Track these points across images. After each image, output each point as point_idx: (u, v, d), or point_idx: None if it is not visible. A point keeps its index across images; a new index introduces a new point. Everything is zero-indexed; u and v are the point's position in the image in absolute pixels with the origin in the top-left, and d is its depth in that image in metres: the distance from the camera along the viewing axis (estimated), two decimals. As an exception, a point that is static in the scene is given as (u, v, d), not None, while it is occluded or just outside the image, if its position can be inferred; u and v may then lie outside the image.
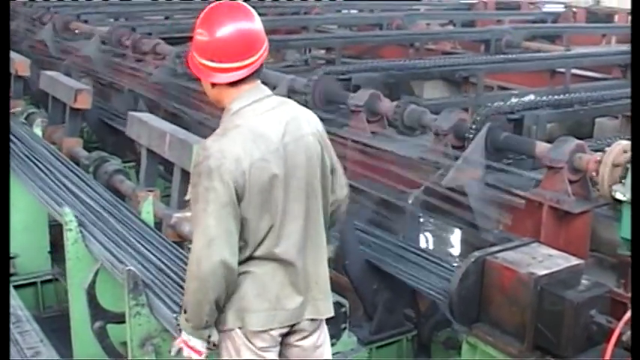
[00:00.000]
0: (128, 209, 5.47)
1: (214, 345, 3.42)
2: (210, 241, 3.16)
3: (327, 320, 3.66)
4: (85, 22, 12.71)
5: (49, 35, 12.40)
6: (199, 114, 8.78)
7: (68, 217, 5.01)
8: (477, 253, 4.57)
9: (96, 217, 5.30)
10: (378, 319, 5.58)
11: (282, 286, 3.36)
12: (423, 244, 5.92)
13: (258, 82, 3.38)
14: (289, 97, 3.63)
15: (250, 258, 3.31)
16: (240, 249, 3.27)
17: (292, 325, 3.46)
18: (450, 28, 13.39)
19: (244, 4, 3.36)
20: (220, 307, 3.31)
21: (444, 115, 6.10)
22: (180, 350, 3.46)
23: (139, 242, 4.84)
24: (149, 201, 5.35)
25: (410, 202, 5.67)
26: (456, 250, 8.53)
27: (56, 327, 5.78)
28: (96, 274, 4.66)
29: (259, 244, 3.30)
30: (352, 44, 11.56)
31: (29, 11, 13.96)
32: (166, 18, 13.74)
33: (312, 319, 3.51)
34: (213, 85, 3.34)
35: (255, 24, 3.31)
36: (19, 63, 9.48)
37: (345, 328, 4.57)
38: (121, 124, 9.14)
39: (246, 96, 3.32)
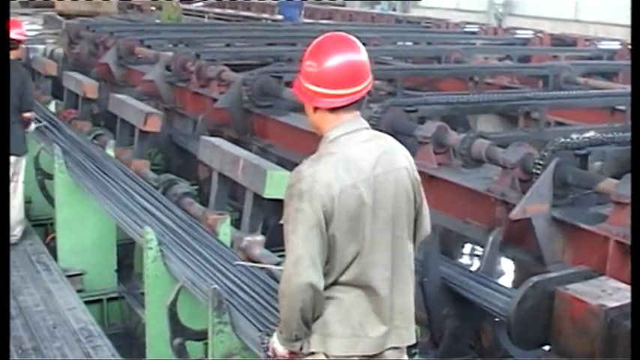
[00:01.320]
0: (205, 230, 5.61)
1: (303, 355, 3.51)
2: (297, 260, 3.27)
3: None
4: (149, 47, 12.97)
5: (113, 59, 12.70)
6: (263, 141, 8.98)
7: (149, 235, 5.17)
8: (535, 278, 4.70)
9: (174, 236, 5.46)
10: (444, 346, 5.67)
11: (366, 314, 3.42)
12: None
13: (358, 113, 3.47)
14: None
15: (336, 283, 3.39)
16: (327, 273, 3.36)
17: (374, 356, 3.50)
18: (509, 62, 13.43)
19: (351, 36, 3.47)
20: (310, 324, 3.40)
21: (512, 149, 6.19)
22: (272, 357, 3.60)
23: (218, 262, 4.97)
24: (227, 223, 5.51)
25: (491, 238, 5.77)
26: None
27: (121, 343, 5.94)
28: (178, 291, 4.79)
29: (345, 270, 3.37)
30: (414, 76, 11.66)
31: (93, 36, 14.26)
32: (227, 45, 13.95)
33: (395, 349, 3.55)
34: (315, 110, 3.45)
35: (362, 56, 3.42)
36: (88, 85, 9.73)
37: (415, 354, 4.65)
38: (187, 147, 9.41)
39: (344, 125, 3.41)
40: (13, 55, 7.59)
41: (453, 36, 17.09)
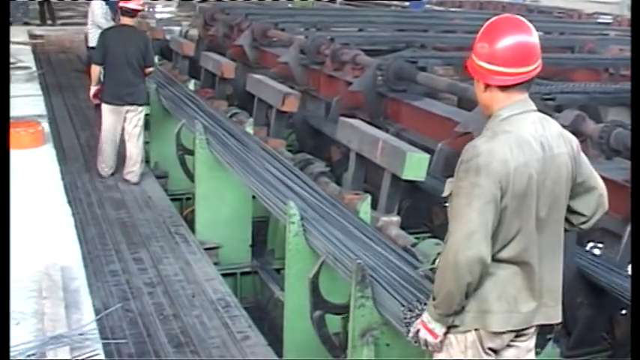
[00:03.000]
0: (345, 207, 5.72)
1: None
2: (471, 233, 3.35)
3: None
4: (282, 30, 13.18)
5: (248, 41, 12.96)
6: (396, 125, 9.04)
7: (292, 210, 5.32)
8: None
9: (314, 212, 5.59)
10: (576, 335, 5.66)
11: (519, 290, 3.51)
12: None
13: (527, 95, 3.55)
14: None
15: (494, 259, 3.46)
16: (492, 247, 3.44)
17: (521, 331, 3.62)
18: (646, 54, 13.10)
19: (524, 19, 3.54)
20: (468, 296, 3.49)
21: (653, 140, 6.09)
22: (418, 332, 3.66)
23: (359, 239, 5.08)
24: (367, 202, 5.61)
25: (629, 228, 5.71)
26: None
27: (252, 317, 6.07)
28: (320, 265, 4.92)
29: (506, 246, 3.46)
30: (549, 65, 11.47)
31: (227, 18, 14.57)
32: (360, 30, 14.06)
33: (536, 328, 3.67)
34: (486, 89, 3.53)
35: (533, 38, 3.49)
36: (226, 66, 9.96)
37: (550, 339, 4.66)
38: (321, 129, 9.56)
39: (516, 105, 3.49)
40: (130, 22, 8.98)
41: (585, 26, 16.78)
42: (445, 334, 3.60)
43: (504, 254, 3.47)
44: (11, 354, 4.44)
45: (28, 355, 4.48)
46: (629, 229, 5.80)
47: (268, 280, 7.37)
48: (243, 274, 7.68)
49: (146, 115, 9.50)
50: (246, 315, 6.02)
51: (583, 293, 5.61)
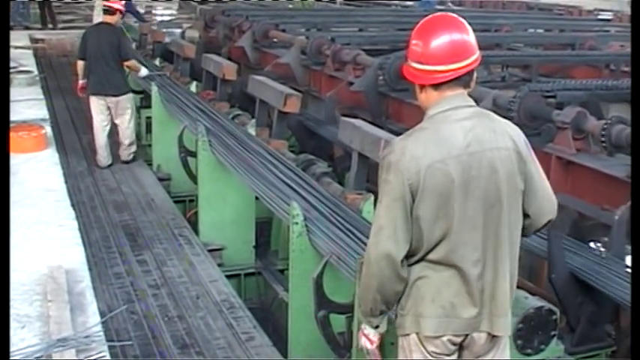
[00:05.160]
0: (348, 207, 5.74)
1: (381, 336, 3.65)
2: (379, 229, 3.36)
3: (539, 327, 3.71)
4: (283, 31, 13.20)
5: (249, 42, 12.99)
6: (398, 125, 9.06)
7: (295, 211, 5.34)
8: None
9: (317, 212, 5.61)
10: (580, 332, 5.67)
11: (457, 294, 3.40)
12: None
13: (463, 91, 3.44)
14: (494, 112, 3.67)
15: (426, 261, 3.41)
16: (414, 250, 3.38)
17: (466, 338, 3.49)
18: (646, 51, 13.13)
19: (456, 16, 3.50)
20: (387, 301, 3.46)
21: (655, 136, 6.12)
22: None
23: (362, 239, 5.09)
24: (370, 201, 5.63)
25: (616, 217, 5.72)
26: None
27: (256, 318, 6.09)
28: (324, 265, 4.94)
29: (433, 248, 3.37)
30: (548, 63, 11.56)
31: (228, 20, 14.59)
32: (360, 30, 14.09)
33: (490, 337, 3.50)
34: (422, 89, 3.47)
35: (465, 34, 3.41)
36: (227, 67, 9.97)
37: (554, 336, 4.67)
38: (321, 129, 9.57)
39: (445, 102, 3.40)
40: (110, 19, 9.67)
41: (586, 23, 16.80)
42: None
43: (433, 256, 3.38)
44: (17, 357, 4.47)
45: (35, 358, 4.50)
46: (617, 218, 5.79)
47: (272, 280, 7.38)
48: (247, 275, 7.68)
49: (148, 117, 9.73)
50: (251, 316, 6.04)
51: (582, 294, 5.61)
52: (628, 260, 5.93)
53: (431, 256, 3.38)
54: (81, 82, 9.76)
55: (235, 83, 10.77)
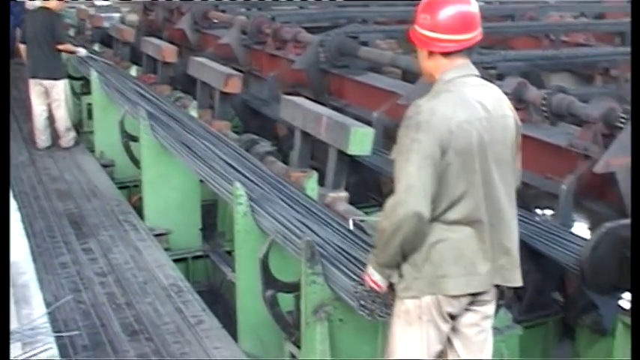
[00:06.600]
0: (292, 186, 5.72)
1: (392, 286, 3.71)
2: (409, 187, 3.42)
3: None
4: (223, 11, 13.10)
5: (188, 24, 12.87)
6: (340, 101, 9.05)
7: (238, 191, 5.30)
8: (608, 224, 4.82)
9: (263, 192, 5.58)
10: (527, 300, 5.72)
11: (475, 252, 3.57)
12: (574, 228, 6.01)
13: (469, 61, 3.66)
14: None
15: (442, 222, 3.52)
16: (436, 208, 3.49)
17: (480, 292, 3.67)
18: (584, 19, 13.28)
19: None
20: (405, 254, 3.56)
21: (594, 104, 6.17)
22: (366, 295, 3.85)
23: (307, 217, 5.08)
24: (313, 179, 5.62)
25: (564, 186, 5.77)
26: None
27: (205, 301, 6.05)
28: (270, 245, 4.91)
29: (453, 206, 3.51)
30: (488, 34, 11.56)
31: (167, 2, 14.44)
32: (300, 8, 14.04)
33: (495, 288, 3.71)
34: (430, 56, 3.64)
35: (473, 7, 3.62)
36: (167, 50, 9.89)
37: (501, 305, 4.71)
38: (264, 109, 9.53)
39: (458, 69, 3.60)
40: (48, 4, 9.65)
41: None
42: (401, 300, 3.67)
43: (454, 215, 3.52)
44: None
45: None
46: (564, 187, 5.85)
47: (220, 262, 7.32)
48: (194, 258, 7.61)
49: (89, 104, 9.67)
50: (199, 299, 5.99)
51: (528, 261, 5.63)
52: (574, 228, 6.00)
53: (448, 216, 3.53)
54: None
55: (177, 66, 10.69)
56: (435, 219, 3.51)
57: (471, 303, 3.68)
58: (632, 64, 4.93)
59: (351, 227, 4.84)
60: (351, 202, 5.90)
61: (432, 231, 3.52)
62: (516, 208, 3.73)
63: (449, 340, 3.77)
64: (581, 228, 6.13)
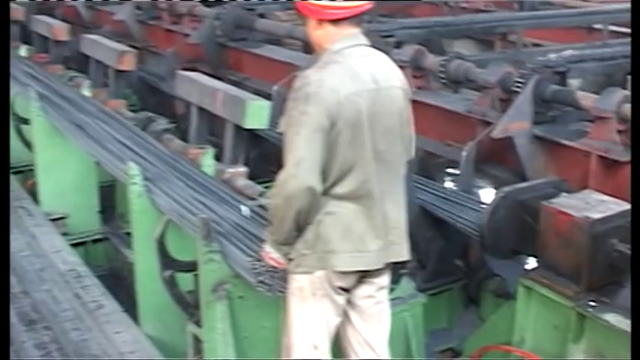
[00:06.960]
0: (188, 163, 5.59)
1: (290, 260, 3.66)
2: (299, 161, 3.37)
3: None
4: (117, -14, 12.77)
5: (81, 1, 12.53)
6: (239, 75, 8.93)
7: (132, 171, 5.15)
8: (506, 189, 4.85)
9: (157, 171, 5.44)
10: (430, 267, 5.72)
11: (365, 229, 3.54)
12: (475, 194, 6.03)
13: (359, 30, 3.60)
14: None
15: (331, 197, 3.48)
16: (325, 180, 3.46)
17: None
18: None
19: None
20: (300, 228, 3.52)
21: (491, 69, 6.19)
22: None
23: (204, 194, 4.97)
24: (209, 154, 5.50)
25: (464, 153, 5.76)
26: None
27: (107, 284, 5.89)
28: (165, 224, 4.79)
29: (342, 179, 3.47)
30: (387, 3, 11.58)
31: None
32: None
33: (387, 266, 3.71)
34: (319, 24, 3.56)
35: None
36: (58, 28, 9.61)
37: (404, 274, 4.69)
38: (162, 85, 9.33)
39: (347, 39, 3.54)
40: None
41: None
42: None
43: (343, 189, 3.48)
44: None
45: None
46: (464, 153, 5.85)
47: (120, 245, 7.16)
48: (94, 241, 7.44)
49: None
50: (99, 283, 5.80)
51: (431, 228, 5.65)
52: (476, 194, 6.02)
53: (337, 190, 3.50)
54: None
55: (71, 44, 10.38)
56: (325, 193, 3.46)
57: (364, 276, 3.66)
58: (632, 63, 4.94)
59: (247, 215, 4.71)
60: (252, 177, 5.79)
61: (322, 206, 3.47)
62: (408, 180, 3.73)
63: (345, 314, 3.73)
64: (488, 194, 6.16)
